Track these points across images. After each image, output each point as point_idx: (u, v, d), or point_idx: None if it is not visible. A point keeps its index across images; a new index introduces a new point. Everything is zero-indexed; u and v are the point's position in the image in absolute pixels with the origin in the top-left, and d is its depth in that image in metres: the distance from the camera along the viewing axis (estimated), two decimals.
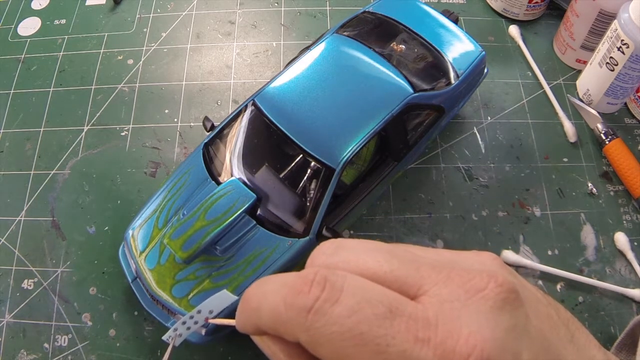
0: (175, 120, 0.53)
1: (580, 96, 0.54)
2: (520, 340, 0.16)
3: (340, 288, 0.17)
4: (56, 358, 0.42)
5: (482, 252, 0.20)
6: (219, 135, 0.43)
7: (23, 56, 0.57)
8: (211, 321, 0.28)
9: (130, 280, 0.40)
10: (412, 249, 0.20)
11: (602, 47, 0.49)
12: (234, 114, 0.43)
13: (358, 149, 0.39)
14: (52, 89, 0.55)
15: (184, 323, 0.27)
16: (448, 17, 0.48)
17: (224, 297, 0.27)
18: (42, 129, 0.52)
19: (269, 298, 0.18)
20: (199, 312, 0.26)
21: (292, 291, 0.17)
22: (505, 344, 0.16)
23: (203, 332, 0.38)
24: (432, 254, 0.20)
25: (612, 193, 0.49)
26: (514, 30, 0.58)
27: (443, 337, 0.16)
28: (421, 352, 0.15)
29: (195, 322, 0.27)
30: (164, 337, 0.27)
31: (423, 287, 0.18)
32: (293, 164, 0.40)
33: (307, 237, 0.39)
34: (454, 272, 0.18)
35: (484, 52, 0.47)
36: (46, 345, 0.42)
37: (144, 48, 0.57)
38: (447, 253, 0.20)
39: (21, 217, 0.48)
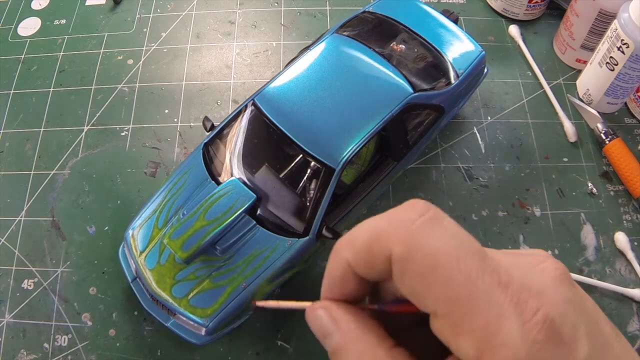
0: (175, 120, 0.53)
1: (580, 96, 0.54)
2: (578, 315, 0.17)
3: (443, 217, 0.18)
4: (56, 358, 0.42)
5: (533, 249, 0.21)
6: (219, 135, 0.43)
7: (23, 56, 0.57)
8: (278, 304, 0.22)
9: (130, 280, 0.40)
10: None
11: (602, 47, 0.49)
12: (234, 114, 0.43)
13: (358, 148, 0.39)
14: (52, 89, 0.55)
15: None
16: (448, 17, 0.48)
17: None
18: (42, 129, 0.52)
19: (369, 222, 0.18)
20: None
21: (396, 211, 0.18)
22: (566, 313, 0.17)
23: (203, 332, 0.38)
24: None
25: (612, 193, 0.49)
26: (514, 30, 0.58)
27: (518, 287, 0.17)
28: (500, 296, 0.16)
29: None
30: None
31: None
32: (293, 164, 0.40)
33: (307, 237, 0.39)
34: (514, 254, 0.19)
35: (483, 52, 0.47)
36: (46, 345, 0.42)
37: (144, 48, 0.57)
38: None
39: (21, 217, 0.48)
